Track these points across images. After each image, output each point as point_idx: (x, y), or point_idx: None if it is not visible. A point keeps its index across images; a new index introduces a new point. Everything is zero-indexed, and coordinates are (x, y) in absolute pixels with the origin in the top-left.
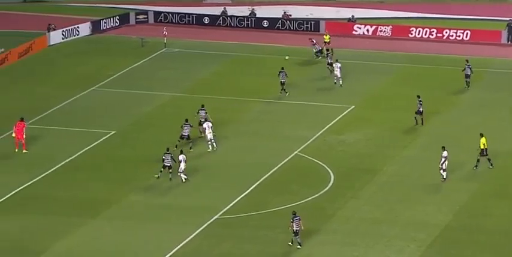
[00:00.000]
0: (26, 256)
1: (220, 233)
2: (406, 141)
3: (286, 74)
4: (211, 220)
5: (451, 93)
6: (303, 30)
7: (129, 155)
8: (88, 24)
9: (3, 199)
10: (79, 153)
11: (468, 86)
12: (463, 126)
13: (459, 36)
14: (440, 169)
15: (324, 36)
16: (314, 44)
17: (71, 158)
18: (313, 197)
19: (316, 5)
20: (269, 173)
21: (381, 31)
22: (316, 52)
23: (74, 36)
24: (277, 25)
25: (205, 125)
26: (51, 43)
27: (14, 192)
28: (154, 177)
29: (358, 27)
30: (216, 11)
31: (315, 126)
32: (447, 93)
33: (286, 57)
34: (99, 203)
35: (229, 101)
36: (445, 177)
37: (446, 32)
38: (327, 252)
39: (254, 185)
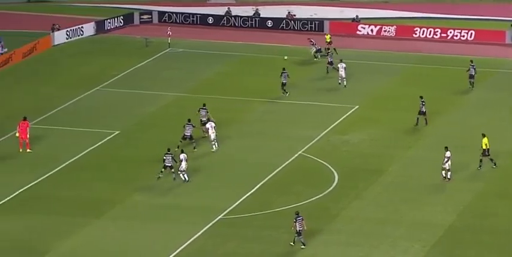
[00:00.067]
0: (30, 255)
1: (224, 232)
2: (411, 141)
3: (288, 75)
4: (216, 220)
5: (455, 94)
6: (307, 30)
7: (133, 155)
8: (92, 24)
9: (8, 198)
10: (83, 153)
11: (472, 87)
12: (467, 127)
13: (463, 36)
14: (442, 169)
15: (325, 36)
16: (313, 44)
17: (75, 158)
18: (317, 197)
19: (320, 5)
20: (273, 173)
21: (385, 31)
22: (316, 52)
23: (78, 36)
24: (282, 25)
25: (208, 125)
26: (56, 43)
27: (18, 192)
28: (156, 178)
29: (362, 27)
30: (220, 11)
31: (319, 126)
32: (451, 93)
33: (285, 57)
34: (103, 203)
35: (233, 101)
36: (449, 177)
37: (450, 32)
38: (331, 252)
39: (258, 185)
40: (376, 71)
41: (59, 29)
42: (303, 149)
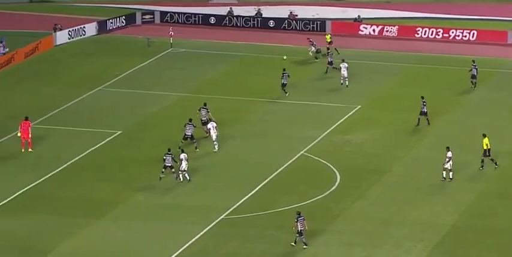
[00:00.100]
0: (32, 255)
1: (226, 232)
2: (413, 141)
3: (288, 75)
4: (218, 220)
5: (457, 94)
6: (309, 30)
7: (135, 155)
8: (94, 24)
9: (10, 198)
10: (85, 153)
11: (474, 87)
12: (469, 127)
13: (465, 36)
14: (443, 170)
15: (326, 36)
16: (313, 44)
17: (77, 158)
18: (320, 197)
19: (322, 5)
20: (275, 173)
21: (387, 31)
22: (316, 52)
23: (80, 36)
24: (284, 25)
25: (209, 125)
26: (58, 43)
27: (20, 192)
28: (158, 178)
29: (364, 27)
30: (222, 11)
31: (321, 126)
32: (453, 93)
33: (284, 57)
34: (105, 203)
35: (236, 101)
36: (451, 177)
37: (452, 32)
38: (333, 252)
39: (260, 185)
40: (378, 71)
41: (61, 29)
42: (305, 149)
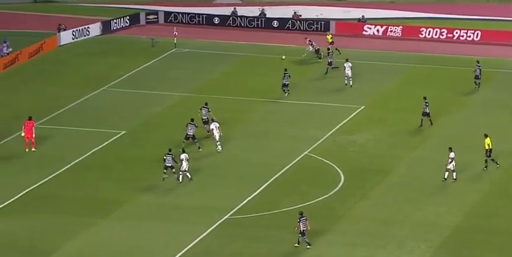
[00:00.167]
0: (37, 255)
1: (230, 232)
2: (417, 142)
3: (289, 75)
4: (222, 220)
5: (461, 94)
6: (313, 30)
7: (139, 155)
8: (98, 24)
9: (14, 198)
10: (89, 153)
11: (478, 87)
12: (473, 127)
13: (470, 36)
14: (446, 171)
15: (327, 37)
16: (312, 44)
17: (81, 158)
18: (324, 197)
19: (326, 5)
20: (279, 173)
21: (391, 31)
22: (315, 52)
23: (84, 36)
24: (287, 25)
25: (212, 126)
26: (62, 43)
27: (24, 192)
28: (162, 178)
29: (368, 27)
30: (226, 11)
31: (325, 126)
32: (457, 94)
33: (283, 57)
34: (110, 203)
35: (239, 101)
36: (454, 177)
37: (456, 33)
38: (336, 253)
39: (264, 185)
40: (382, 72)
41: (65, 29)
42: (309, 149)
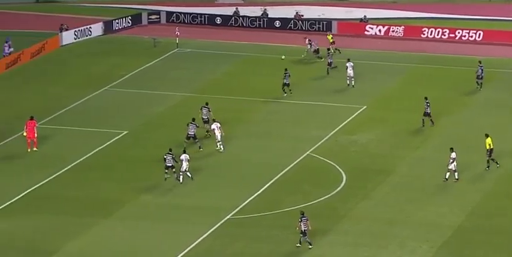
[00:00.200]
0: (38, 256)
1: (232, 232)
2: (419, 142)
3: (289, 75)
4: (224, 220)
5: (463, 94)
6: (315, 30)
7: (141, 155)
8: (100, 24)
9: (16, 198)
10: (91, 153)
11: (480, 87)
12: (474, 127)
13: (472, 36)
14: (447, 171)
15: (328, 37)
16: (311, 44)
17: (83, 158)
18: (325, 197)
19: (328, 5)
20: (281, 173)
21: (393, 31)
22: (314, 51)
23: (86, 36)
24: (289, 25)
25: (213, 126)
26: (64, 43)
27: (26, 192)
28: (164, 178)
29: (370, 27)
30: (228, 11)
31: (327, 126)
32: (459, 94)
33: (283, 57)
34: (111, 203)
35: (241, 101)
36: (456, 177)
37: (458, 33)
38: (338, 252)
39: (266, 185)
40: (384, 72)
41: (67, 29)
42: (311, 149)
